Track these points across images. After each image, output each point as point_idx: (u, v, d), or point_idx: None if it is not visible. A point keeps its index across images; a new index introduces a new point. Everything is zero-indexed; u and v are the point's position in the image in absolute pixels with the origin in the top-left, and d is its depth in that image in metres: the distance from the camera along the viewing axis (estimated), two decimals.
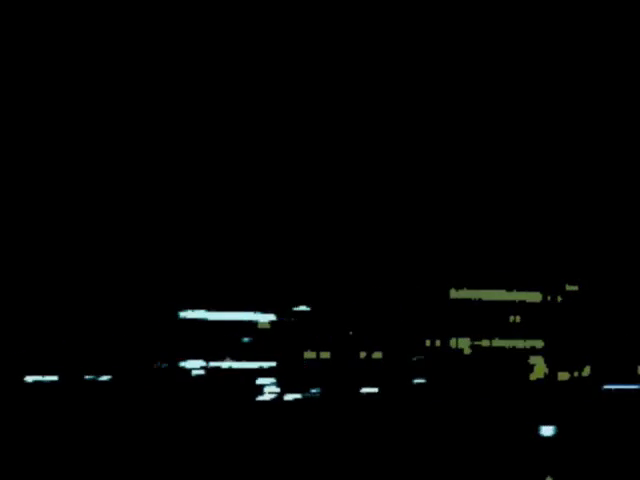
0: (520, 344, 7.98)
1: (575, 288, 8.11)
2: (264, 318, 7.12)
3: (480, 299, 7.90)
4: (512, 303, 7.99)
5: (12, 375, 6.42)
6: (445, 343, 7.74)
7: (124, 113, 7.09)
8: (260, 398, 7.03)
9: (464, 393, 7.74)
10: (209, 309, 6.99)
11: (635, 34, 8.18)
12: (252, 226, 7.23)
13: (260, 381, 7.06)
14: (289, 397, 7.12)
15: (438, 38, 7.94)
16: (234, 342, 7.04)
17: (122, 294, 6.78)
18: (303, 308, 7.22)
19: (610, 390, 8.07)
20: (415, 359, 7.63)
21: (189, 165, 7.10)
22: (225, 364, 6.99)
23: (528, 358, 7.95)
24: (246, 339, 7.06)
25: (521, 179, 8.07)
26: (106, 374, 6.67)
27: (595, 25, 8.16)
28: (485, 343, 7.86)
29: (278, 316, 7.16)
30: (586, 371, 8.09)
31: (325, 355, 7.28)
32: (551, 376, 7.97)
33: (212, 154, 7.20)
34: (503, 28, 8.04)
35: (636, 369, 8.16)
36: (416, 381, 7.61)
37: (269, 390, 7.07)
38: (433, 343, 7.72)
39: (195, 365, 6.93)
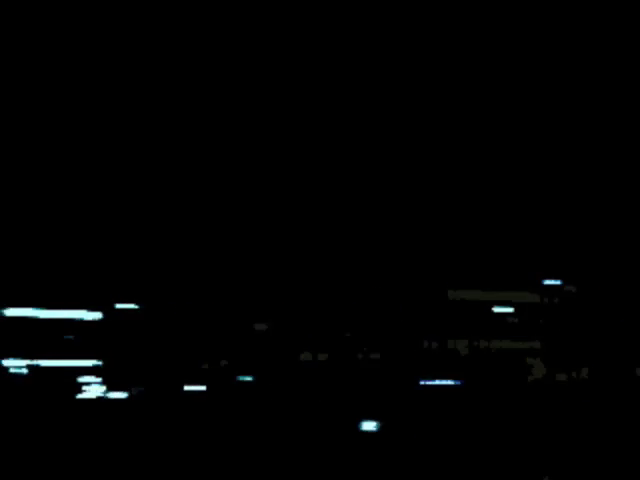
0: (518, 345, 7.94)
1: (574, 288, 8.09)
2: (90, 316, 7.10)
3: (478, 299, 7.86)
4: (510, 304, 7.96)
5: None
6: (443, 344, 7.70)
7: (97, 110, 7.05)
8: (81, 396, 7.04)
9: (462, 394, 7.72)
10: (31, 306, 6.97)
11: (635, 34, 8.16)
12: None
13: (82, 379, 7.06)
14: (112, 395, 7.13)
15: (438, 38, 7.87)
16: (56, 340, 7.03)
17: None
18: (130, 306, 7.21)
19: (608, 391, 8.05)
20: (413, 360, 7.60)
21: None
22: (46, 362, 6.98)
23: (526, 359, 7.92)
24: (70, 336, 7.05)
25: (520, 179, 8.01)
26: None
27: (595, 25, 8.12)
28: (483, 344, 7.82)
29: (104, 314, 7.14)
30: (584, 372, 8.04)
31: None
32: (549, 377, 7.94)
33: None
34: (503, 28, 7.97)
35: (635, 370, 8.12)
36: (414, 382, 7.59)
37: (91, 389, 7.07)
38: (430, 344, 7.68)
39: (15, 363, 6.92)
